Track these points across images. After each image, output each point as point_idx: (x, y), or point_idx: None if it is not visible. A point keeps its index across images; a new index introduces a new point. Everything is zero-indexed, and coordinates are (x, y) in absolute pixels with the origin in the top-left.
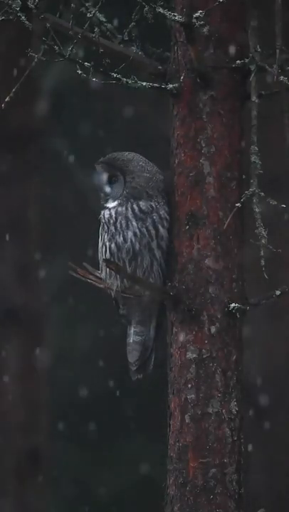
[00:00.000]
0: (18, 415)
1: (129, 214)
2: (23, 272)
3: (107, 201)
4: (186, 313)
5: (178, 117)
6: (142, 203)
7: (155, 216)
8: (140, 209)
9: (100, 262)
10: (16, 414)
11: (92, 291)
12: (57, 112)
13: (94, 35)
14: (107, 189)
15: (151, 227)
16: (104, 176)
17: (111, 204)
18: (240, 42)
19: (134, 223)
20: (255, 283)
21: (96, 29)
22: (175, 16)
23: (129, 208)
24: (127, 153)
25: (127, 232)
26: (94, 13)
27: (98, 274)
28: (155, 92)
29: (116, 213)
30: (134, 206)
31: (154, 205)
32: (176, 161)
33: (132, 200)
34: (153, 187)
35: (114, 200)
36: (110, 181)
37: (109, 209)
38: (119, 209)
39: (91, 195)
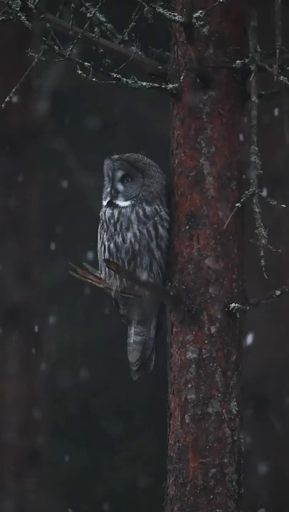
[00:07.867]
0: (18, 415)
1: (133, 217)
2: (23, 271)
3: (116, 198)
4: (186, 313)
5: (178, 117)
6: (147, 208)
7: (157, 218)
8: (145, 213)
9: (100, 261)
10: (15, 414)
11: (91, 291)
12: (57, 112)
13: (94, 35)
14: (120, 187)
15: (151, 228)
16: (120, 173)
17: (122, 203)
18: (240, 42)
19: (135, 226)
20: (255, 283)
21: (96, 29)
22: (175, 15)
23: (134, 211)
24: (145, 157)
25: (126, 234)
26: (94, 13)
27: (98, 274)
28: (155, 92)
29: (119, 214)
30: (140, 210)
31: (157, 209)
32: (176, 161)
33: (140, 204)
34: (165, 194)
35: (126, 200)
36: (123, 180)
37: (113, 208)
38: (123, 210)
39: (91, 195)
